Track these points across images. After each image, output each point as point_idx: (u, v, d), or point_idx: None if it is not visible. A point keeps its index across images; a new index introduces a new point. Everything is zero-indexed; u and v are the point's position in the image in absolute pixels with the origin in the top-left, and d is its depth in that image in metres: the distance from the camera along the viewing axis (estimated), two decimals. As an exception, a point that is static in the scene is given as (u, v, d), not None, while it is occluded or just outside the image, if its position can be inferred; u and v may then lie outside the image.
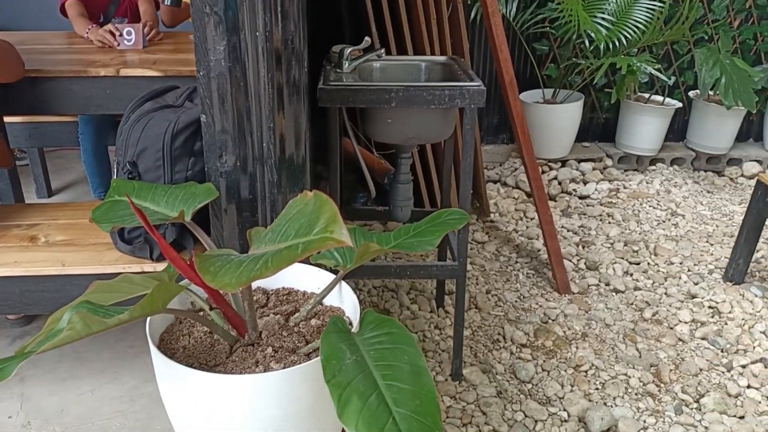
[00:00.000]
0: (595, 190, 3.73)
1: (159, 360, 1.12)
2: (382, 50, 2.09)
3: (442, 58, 2.24)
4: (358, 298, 2.62)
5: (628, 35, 3.63)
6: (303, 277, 1.40)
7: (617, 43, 3.62)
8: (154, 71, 2.10)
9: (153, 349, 1.14)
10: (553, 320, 2.47)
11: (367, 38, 2.04)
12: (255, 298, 1.36)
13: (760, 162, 4.04)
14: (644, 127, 3.90)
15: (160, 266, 1.69)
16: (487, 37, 2.91)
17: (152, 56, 2.35)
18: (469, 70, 2.04)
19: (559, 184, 3.78)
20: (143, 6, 2.84)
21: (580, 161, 3.97)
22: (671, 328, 2.44)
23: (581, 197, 3.68)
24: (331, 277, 1.35)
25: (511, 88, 2.89)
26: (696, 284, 2.76)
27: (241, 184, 1.45)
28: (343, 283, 1.33)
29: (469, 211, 2.14)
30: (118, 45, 2.49)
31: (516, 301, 2.61)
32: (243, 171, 1.44)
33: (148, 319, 1.18)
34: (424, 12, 2.85)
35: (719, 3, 3.92)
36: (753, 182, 3.97)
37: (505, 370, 2.19)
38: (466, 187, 1.96)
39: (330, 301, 1.36)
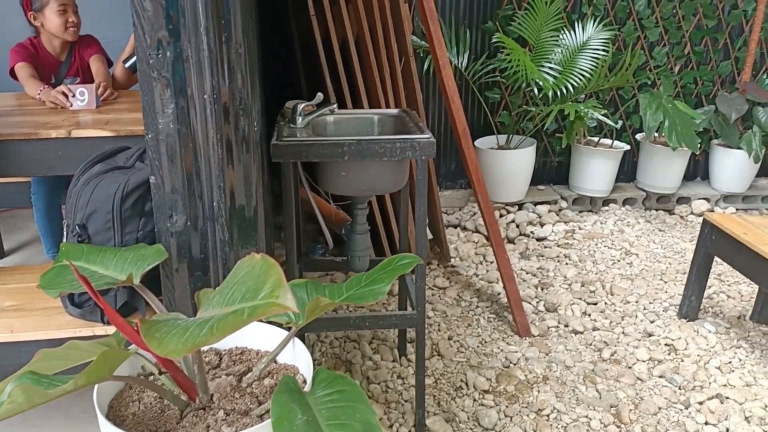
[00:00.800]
0: (552, 231, 3.81)
1: (107, 430, 1.10)
2: (335, 105, 2.13)
3: (395, 111, 2.29)
4: (320, 350, 2.60)
5: (574, 83, 3.78)
6: (256, 336, 1.39)
7: (564, 91, 3.77)
8: (106, 131, 2.10)
9: (101, 419, 1.11)
10: (514, 364, 2.49)
11: (319, 94, 2.09)
12: (207, 359, 1.35)
13: (707, 200, 4.20)
14: (595, 169, 4.03)
15: (113, 329, 1.66)
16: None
17: (105, 116, 2.35)
18: (419, 122, 2.10)
19: (517, 227, 3.86)
20: (95, 65, 2.85)
21: (536, 204, 4.06)
22: (629, 368, 2.47)
23: (539, 239, 3.75)
24: (285, 334, 1.34)
25: (464, 137, 2.96)
26: (652, 322, 2.81)
27: (192, 243, 1.45)
28: (296, 339, 1.32)
29: (425, 258, 2.16)
30: (71, 105, 2.48)
31: (478, 347, 2.62)
32: (194, 230, 1.44)
33: (96, 386, 1.16)
34: (378, 65, 2.93)
35: (660, 50, 4.13)
36: (701, 219, 4.12)
37: (468, 418, 2.18)
38: (421, 235, 1.99)
39: (284, 358, 1.35)
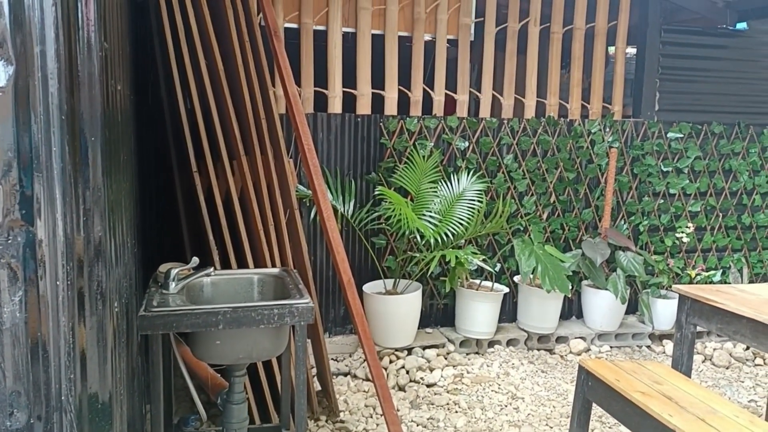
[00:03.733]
0: (441, 376, 3.81)
1: None
2: (211, 269, 2.09)
3: (275, 271, 2.28)
4: None
5: (453, 230, 3.98)
6: None
7: (445, 237, 3.95)
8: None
9: None
10: None
11: (195, 258, 2.04)
12: None
13: (583, 338, 4.41)
14: (479, 311, 4.16)
15: None
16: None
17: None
18: (299, 283, 2.09)
19: (407, 372, 3.82)
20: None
21: (425, 348, 4.08)
22: None
23: (428, 385, 3.72)
24: None
25: (349, 288, 2.98)
26: (540, 473, 2.80)
27: (35, 443, 1.29)
28: None
29: (305, 429, 2.06)
30: None
31: None
32: (39, 425, 1.29)
33: None
34: (262, 220, 2.94)
35: (528, 199, 4.48)
36: (580, 359, 4.30)
37: None
38: (301, 406, 1.91)
39: None
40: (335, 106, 4.12)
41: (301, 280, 2.16)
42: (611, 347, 4.46)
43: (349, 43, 4.20)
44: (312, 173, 3.08)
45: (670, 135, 4.73)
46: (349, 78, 4.19)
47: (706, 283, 4.81)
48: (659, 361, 4.33)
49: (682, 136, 4.73)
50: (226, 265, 2.68)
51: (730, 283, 4.89)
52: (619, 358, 4.30)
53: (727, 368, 4.25)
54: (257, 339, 1.91)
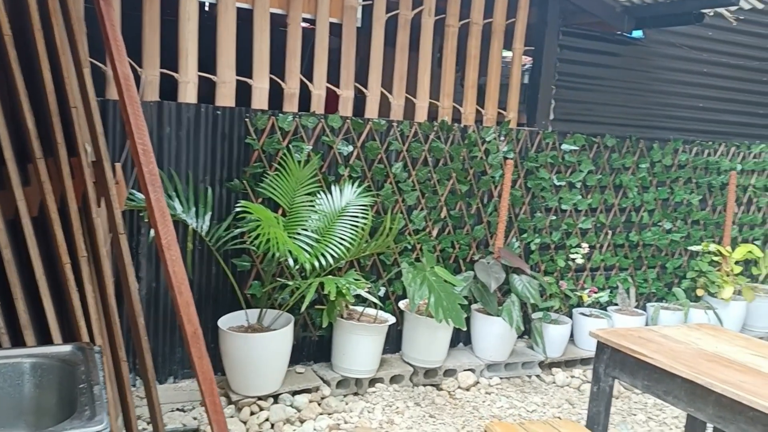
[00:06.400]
0: (314, 430, 3.15)
1: None
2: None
3: (65, 350, 1.48)
4: None
5: (333, 252, 3.32)
6: None
7: (323, 261, 3.28)
8: None
9: None
10: None
11: None
12: None
13: (473, 370, 3.94)
14: (360, 346, 3.54)
15: None
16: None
17: None
18: (98, 380, 1.32)
19: (272, 427, 3.12)
20: None
21: (294, 393, 3.38)
22: None
23: (299, 443, 3.05)
24: None
25: (195, 343, 2.25)
26: None
27: None
28: None
29: None
30: None
31: None
32: None
33: None
34: (70, 250, 2.10)
35: (418, 214, 3.92)
36: (470, 395, 3.83)
37: None
38: None
39: None
40: (188, 94, 3.29)
41: (101, 365, 1.39)
42: (501, 378, 4.04)
43: (210, 16, 3.39)
44: (147, 183, 2.28)
45: (564, 147, 4.40)
46: (208, 60, 3.37)
47: (595, 303, 4.56)
48: (550, 393, 3.97)
49: (576, 148, 4.42)
50: (12, 330, 1.83)
51: (617, 304, 4.68)
52: (509, 391, 3.89)
53: (617, 398, 3.98)
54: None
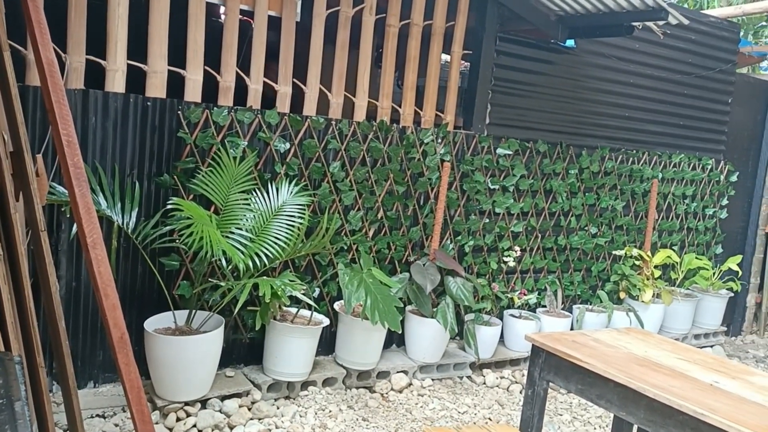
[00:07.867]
0: (244, 436, 3.05)
1: None
2: None
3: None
4: None
5: (268, 252, 3.22)
6: None
7: (258, 261, 3.17)
8: None
9: None
10: None
11: None
12: None
13: (405, 372, 3.94)
14: (293, 348, 3.45)
15: None
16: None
17: None
18: (19, 395, 1.20)
19: (200, 433, 3.00)
20: None
21: (223, 398, 3.27)
22: None
23: (228, 450, 2.95)
24: None
25: (121, 349, 2.11)
26: None
27: None
28: None
29: None
30: None
31: None
32: None
33: None
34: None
35: (355, 214, 3.87)
36: (402, 397, 3.82)
37: None
38: None
39: None
40: (116, 83, 3.11)
41: (22, 377, 1.27)
42: (433, 380, 4.05)
43: (142, 2, 3.22)
44: (72, 177, 2.12)
45: (499, 151, 4.46)
46: (139, 48, 3.20)
47: (524, 305, 4.66)
48: (481, 394, 4.03)
49: (510, 153, 4.49)
50: None
51: (545, 306, 4.80)
52: (441, 392, 3.91)
53: (545, 398, 4.07)
54: None
